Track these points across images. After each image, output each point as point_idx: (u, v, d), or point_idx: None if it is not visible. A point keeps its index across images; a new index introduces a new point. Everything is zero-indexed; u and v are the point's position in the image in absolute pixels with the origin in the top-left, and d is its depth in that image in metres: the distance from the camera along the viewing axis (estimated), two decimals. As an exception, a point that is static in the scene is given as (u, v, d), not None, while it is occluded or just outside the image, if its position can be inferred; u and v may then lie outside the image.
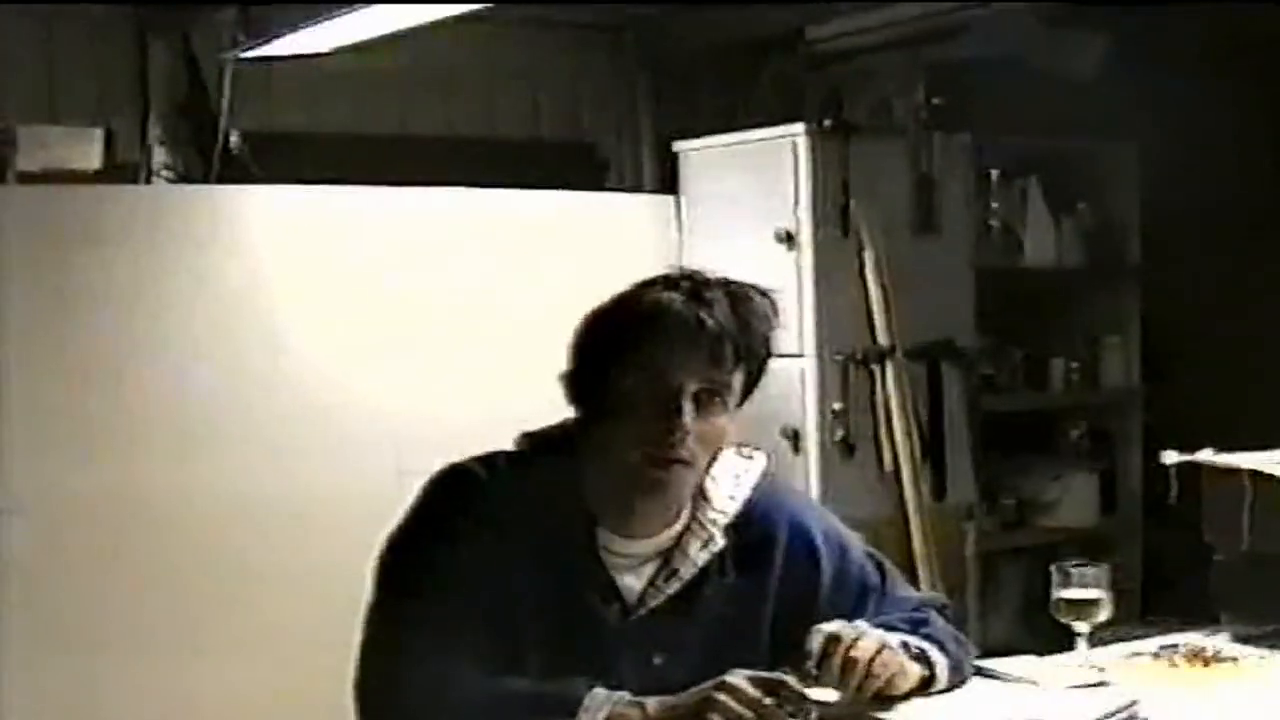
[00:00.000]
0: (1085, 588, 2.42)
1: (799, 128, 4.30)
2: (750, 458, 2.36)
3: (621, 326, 2.19)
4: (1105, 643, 2.54)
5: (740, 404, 2.23)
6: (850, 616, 2.29)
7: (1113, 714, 2.17)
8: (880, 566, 2.43)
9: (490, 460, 2.25)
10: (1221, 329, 4.66)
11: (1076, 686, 2.33)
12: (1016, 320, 4.83)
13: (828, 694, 2.19)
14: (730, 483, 2.32)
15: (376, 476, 3.65)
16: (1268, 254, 4.56)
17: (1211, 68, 4.43)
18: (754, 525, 2.31)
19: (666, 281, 2.20)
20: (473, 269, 4.16)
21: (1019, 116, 4.54)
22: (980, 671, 2.40)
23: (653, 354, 2.14)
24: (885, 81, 4.56)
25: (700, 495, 2.28)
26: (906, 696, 2.23)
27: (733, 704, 2.03)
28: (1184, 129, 4.44)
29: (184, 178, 4.23)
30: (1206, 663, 2.54)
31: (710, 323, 2.14)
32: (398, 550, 2.23)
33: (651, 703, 2.08)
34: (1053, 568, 2.45)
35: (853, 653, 2.17)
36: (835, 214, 4.27)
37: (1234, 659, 2.56)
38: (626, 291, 2.22)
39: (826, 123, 4.29)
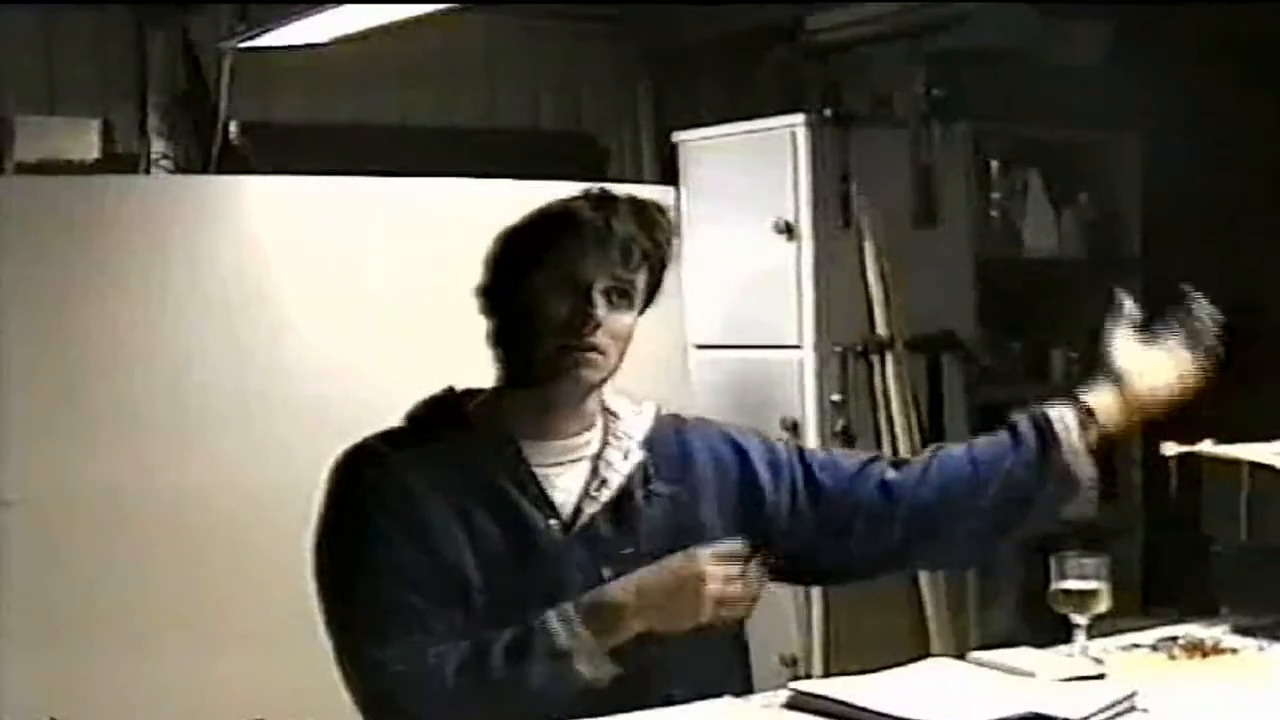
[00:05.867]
0: (1084, 579, 2.42)
1: (799, 118, 4.29)
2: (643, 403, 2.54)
3: (536, 233, 2.38)
4: (1104, 634, 2.53)
5: (644, 307, 2.41)
6: (805, 490, 2.47)
7: (1111, 706, 2.16)
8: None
9: (384, 433, 2.42)
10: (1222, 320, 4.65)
11: (1074, 678, 2.33)
12: (1017, 311, 4.82)
13: None
14: (634, 411, 2.49)
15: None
16: (1269, 245, 4.55)
17: (1213, 58, 4.43)
18: (668, 440, 2.46)
19: (575, 196, 2.40)
20: (473, 260, 4.14)
21: (1020, 107, 4.53)
22: (977, 663, 2.40)
23: (566, 254, 2.32)
24: (886, 72, 4.54)
25: (611, 414, 2.44)
26: None
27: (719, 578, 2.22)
28: (1185, 119, 4.43)
29: (183, 168, 4.24)
30: (1205, 654, 2.54)
31: (617, 225, 2.33)
32: (326, 550, 2.37)
33: (622, 584, 2.25)
34: (1051, 558, 2.45)
35: None
36: (835, 205, 4.27)
37: (1233, 650, 2.56)
38: (538, 207, 2.41)
39: (827, 113, 4.28)
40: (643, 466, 2.41)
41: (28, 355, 3.66)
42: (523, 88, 4.85)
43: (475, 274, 4.08)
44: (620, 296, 2.34)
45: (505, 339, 2.41)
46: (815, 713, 2.18)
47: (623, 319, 2.35)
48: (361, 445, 2.40)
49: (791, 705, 2.24)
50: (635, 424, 2.46)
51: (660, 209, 2.42)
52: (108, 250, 3.76)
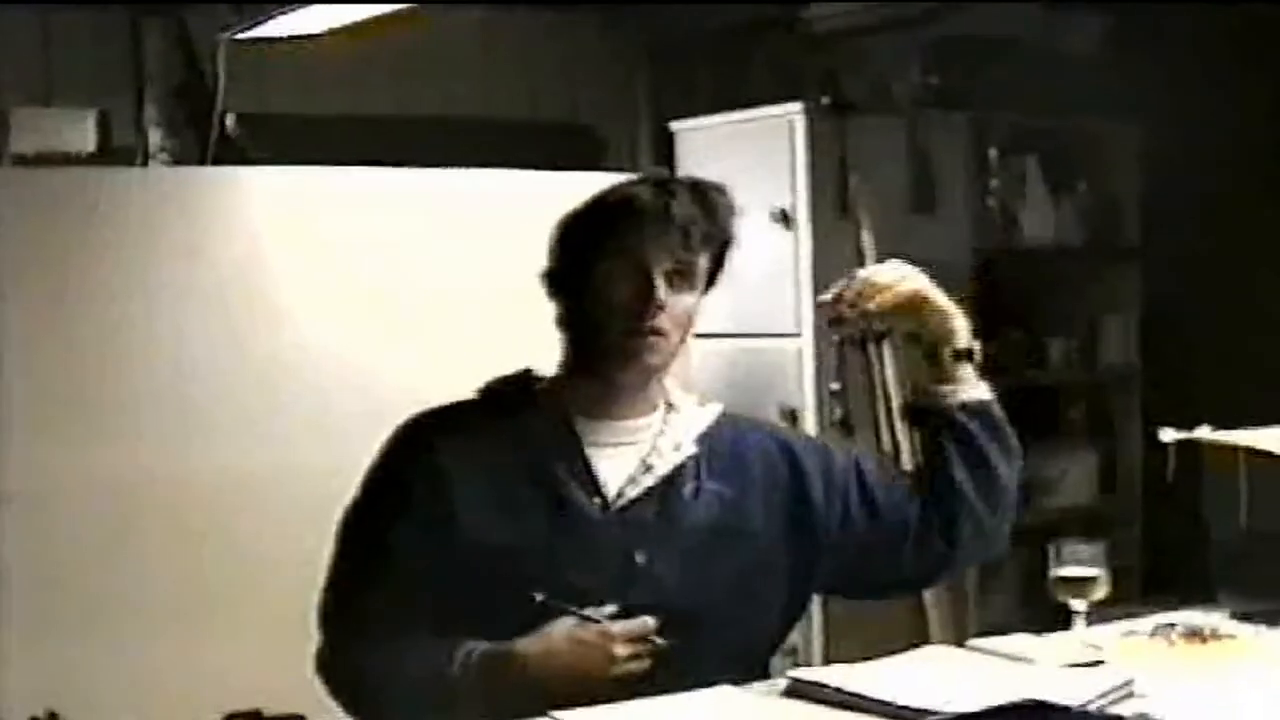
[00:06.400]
0: (1082, 565, 2.42)
1: (796, 107, 4.29)
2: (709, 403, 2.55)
3: (598, 218, 2.40)
4: (1102, 621, 2.53)
5: (707, 288, 2.44)
6: (859, 505, 2.49)
7: (1109, 692, 2.16)
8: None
9: (445, 406, 2.46)
10: (1220, 307, 4.65)
11: (1073, 665, 2.33)
12: (1015, 299, 4.82)
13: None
14: (697, 407, 2.51)
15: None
16: (1267, 232, 4.55)
17: (1212, 46, 4.42)
18: (724, 439, 2.48)
19: (635, 181, 2.45)
20: (470, 249, 4.15)
21: (1018, 95, 4.53)
22: (976, 650, 2.40)
23: (627, 239, 2.34)
24: (883, 60, 4.55)
25: (672, 406, 2.46)
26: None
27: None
28: (1184, 108, 4.42)
29: (180, 160, 4.23)
30: (1204, 640, 2.54)
31: (677, 209, 2.35)
32: (358, 511, 2.42)
33: (531, 641, 2.24)
34: (1050, 545, 2.45)
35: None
36: (833, 193, 4.26)
37: (1231, 636, 2.56)
38: (599, 191, 2.43)
39: (824, 102, 4.28)
40: (694, 460, 2.42)
41: (26, 347, 3.66)
42: (519, 78, 4.85)
43: (473, 264, 4.13)
44: (682, 279, 2.37)
45: (570, 323, 2.43)
46: (814, 700, 2.18)
47: (685, 301, 2.38)
48: (411, 421, 2.44)
49: (790, 693, 2.24)
50: (694, 419, 2.48)
51: (720, 191, 2.43)
52: (105, 242, 3.76)
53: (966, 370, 2.56)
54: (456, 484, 2.33)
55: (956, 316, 2.56)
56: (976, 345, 2.57)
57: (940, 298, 2.55)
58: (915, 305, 2.53)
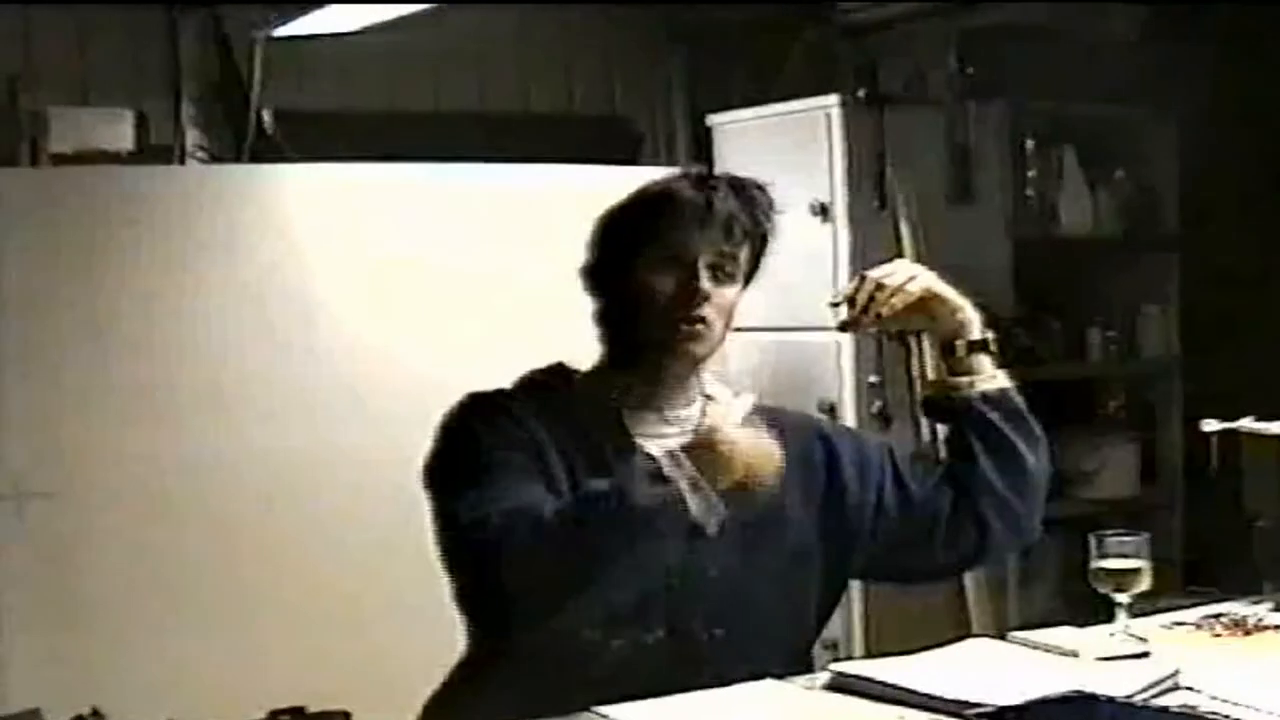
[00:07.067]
0: (1124, 557, 2.41)
1: (833, 99, 4.28)
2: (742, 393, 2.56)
3: (640, 213, 2.42)
4: (1146, 613, 2.52)
5: (748, 281, 2.45)
6: (892, 493, 2.50)
7: (1154, 684, 2.15)
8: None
9: (496, 389, 2.45)
10: (1260, 297, 4.62)
11: (1117, 657, 2.32)
12: (1054, 290, 4.80)
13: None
14: (733, 398, 2.46)
15: (412, 450, 3.64)
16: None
17: (1250, 33, 4.39)
18: (761, 424, 2.43)
19: (675, 176, 2.48)
20: (507, 243, 4.16)
21: (1055, 84, 4.50)
22: (1019, 642, 2.39)
23: (669, 232, 2.37)
24: (919, 51, 4.52)
25: (709, 398, 2.48)
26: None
27: None
28: (1222, 95, 4.39)
29: (217, 158, 4.24)
30: (1248, 632, 2.53)
31: (718, 202, 2.38)
32: (439, 458, 2.39)
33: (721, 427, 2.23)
34: (1091, 537, 2.44)
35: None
36: (870, 185, 4.25)
37: (1276, 627, 2.54)
38: (640, 187, 2.45)
39: (860, 94, 4.27)
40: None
41: (66, 344, 3.69)
42: (556, 73, 4.84)
43: (509, 258, 4.13)
44: (724, 272, 2.39)
45: (611, 318, 2.44)
46: (856, 694, 2.18)
47: (727, 293, 2.40)
48: (474, 392, 2.44)
49: (832, 687, 2.24)
50: (731, 409, 2.44)
51: (759, 187, 2.45)
52: (143, 240, 3.78)
53: (983, 361, 2.56)
54: (524, 434, 2.34)
55: (967, 309, 2.56)
56: (990, 335, 2.56)
57: (949, 293, 2.56)
58: (925, 304, 2.54)
